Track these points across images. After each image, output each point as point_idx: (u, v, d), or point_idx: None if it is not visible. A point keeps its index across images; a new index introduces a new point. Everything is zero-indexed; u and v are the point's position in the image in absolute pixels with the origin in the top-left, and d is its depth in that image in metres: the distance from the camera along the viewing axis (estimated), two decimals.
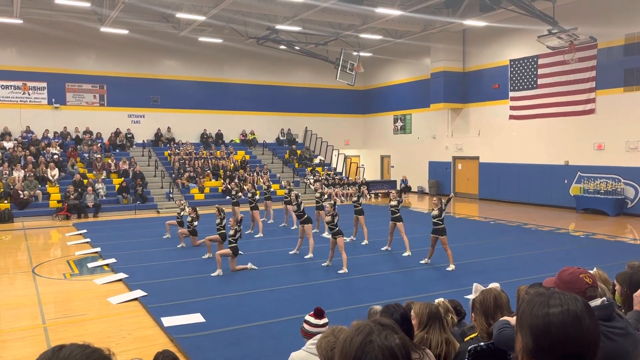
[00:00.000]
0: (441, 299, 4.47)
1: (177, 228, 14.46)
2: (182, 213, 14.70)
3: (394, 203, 12.49)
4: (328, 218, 10.95)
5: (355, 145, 32.62)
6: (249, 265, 10.96)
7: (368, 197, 25.79)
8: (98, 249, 13.15)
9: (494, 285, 3.97)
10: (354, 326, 1.44)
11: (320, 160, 29.04)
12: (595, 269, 4.65)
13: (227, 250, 10.70)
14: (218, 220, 12.09)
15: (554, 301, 1.53)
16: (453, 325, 4.27)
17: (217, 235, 11.85)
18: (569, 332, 1.47)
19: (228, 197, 20.25)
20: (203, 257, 12.17)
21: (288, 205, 16.16)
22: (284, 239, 14.62)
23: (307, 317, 3.80)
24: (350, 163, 30.74)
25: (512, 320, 2.66)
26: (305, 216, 12.35)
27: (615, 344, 2.10)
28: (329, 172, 27.30)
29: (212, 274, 10.36)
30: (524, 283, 4.68)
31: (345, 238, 11.36)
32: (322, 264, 11.13)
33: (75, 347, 1.32)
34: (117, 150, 24.94)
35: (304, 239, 12.35)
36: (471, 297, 3.80)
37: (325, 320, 3.77)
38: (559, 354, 1.46)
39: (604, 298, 2.26)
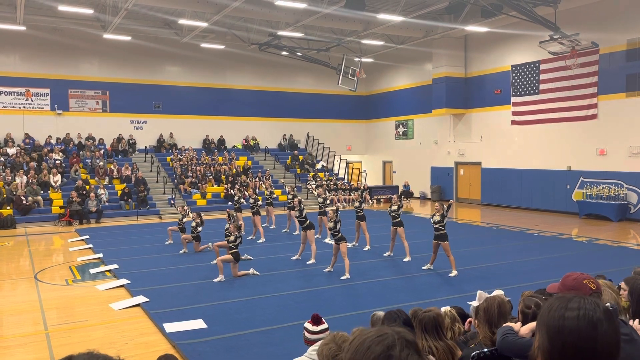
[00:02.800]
0: (447, 308, 4.43)
1: (179, 234, 14.47)
2: (184, 219, 14.67)
3: (394, 208, 12.49)
4: (330, 224, 10.94)
5: (357, 150, 32.64)
6: (251, 271, 10.94)
7: (370, 202, 25.77)
8: (100, 255, 13.15)
9: (498, 292, 3.94)
10: (375, 332, 1.34)
11: (323, 165, 29.05)
12: (602, 281, 4.61)
13: (229, 256, 10.69)
14: (227, 225, 12.05)
15: (573, 305, 1.52)
16: (460, 334, 4.23)
17: (225, 242, 11.70)
18: (583, 336, 1.46)
19: (230, 203, 20.25)
20: (212, 262, 12.02)
21: (291, 211, 16.15)
22: (286, 244, 14.60)
23: (306, 325, 3.78)
24: (352, 168, 30.76)
25: (516, 326, 2.64)
26: (308, 222, 12.35)
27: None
28: (330, 178, 27.30)
29: (214, 280, 10.35)
30: (527, 289, 4.66)
31: (347, 244, 11.34)
32: (324, 270, 11.11)
33: (84, 357, 1.30)
34: (120, 156, 25.00)
35: (306, 245, 12.34)
36: (474, 304, 3.78)
37: (324, 326, 3.76)
38: (573, 357, 1.46)
39: (608, 304, 2.25)
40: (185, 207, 15.55)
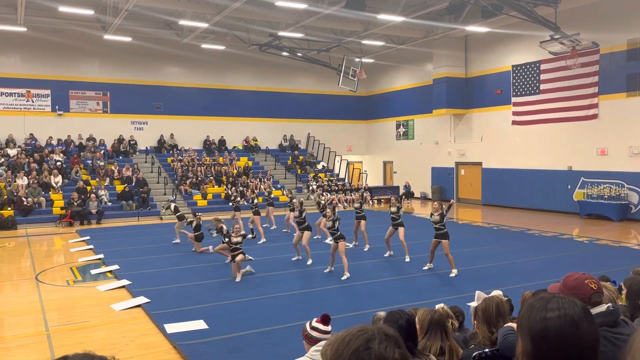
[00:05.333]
0: (441, 305, 4.45)
1: (185, 236, 14.45)
2: (193, 224, 14.19)
3: (393, 209, 12.47)
4: (329, 223, 10.92)
5: (357, 151, 32.63)
6: (247, 268, 11.00)
7: (371, 203, 25.76)
8: (101, 256, 13.15)
9: (497, 292, 3.95)
10: (356, 328, 1.38)
11: (323, 166, 29.04)
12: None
13: (225, 245, 10.83)
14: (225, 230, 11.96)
15: (552, 305, 1.54)
16: (454, 331, 4.24)
17: (225, 244, 11.64)
18: (566, 336, 1.48)
19: (230, 203, 20.23)
20: (226, 261, 12.01)
21: (291, 213, 16.13)
22: (286, 245, 14.57)
23: (315, 324, 3.75)
24: (353, 169, 30.75)
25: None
26: (306, 224, 12.23)
27: (622, 350, 2.08)
28: (331, 178, 27.29)
29: (236, 280, 10.29)
30: (527, 289, 4.66)
31: (347, 244, 11.32)
32: (325, 271, 11.11)
33: (79, 357, 1.30)
34: (120, 157, 25.00)
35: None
36: (473, 304, 3.78)
37: (330, 327, 3.75)
38: (558, 357, 1.47)
39: (610, 304, 2.25)
40: (199, 214, 14.80)
